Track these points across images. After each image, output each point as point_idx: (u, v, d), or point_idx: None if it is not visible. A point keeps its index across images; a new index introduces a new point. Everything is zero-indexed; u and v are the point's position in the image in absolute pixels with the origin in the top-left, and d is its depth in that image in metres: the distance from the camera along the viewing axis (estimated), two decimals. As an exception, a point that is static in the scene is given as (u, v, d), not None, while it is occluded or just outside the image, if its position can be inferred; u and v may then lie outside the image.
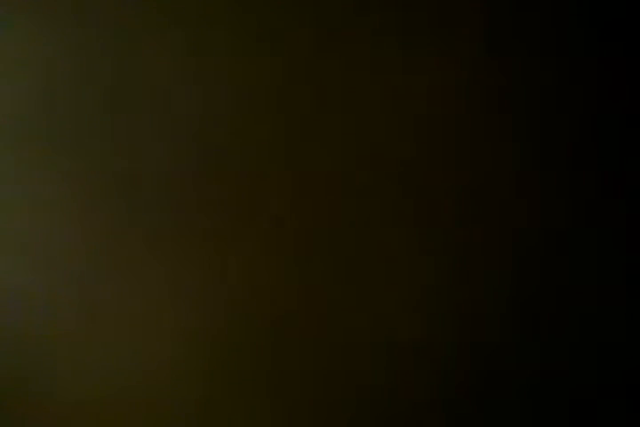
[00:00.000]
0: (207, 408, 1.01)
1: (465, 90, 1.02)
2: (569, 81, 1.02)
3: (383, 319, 1.01)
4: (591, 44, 1.02)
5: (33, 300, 1.02)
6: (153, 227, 1.02)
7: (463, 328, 1.01)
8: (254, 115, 1.03)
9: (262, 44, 1.03)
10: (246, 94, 1.03)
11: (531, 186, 1.02)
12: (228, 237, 1.02)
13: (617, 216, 1.02)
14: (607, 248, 1.01)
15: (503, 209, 1.02)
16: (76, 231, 1.02)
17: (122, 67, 1.02)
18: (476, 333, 1.01)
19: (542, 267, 1.01)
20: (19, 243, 1.02)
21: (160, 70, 1.03)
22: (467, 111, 1.02)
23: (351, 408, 1.01)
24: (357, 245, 1.02)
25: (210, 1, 1.03)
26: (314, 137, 1.02)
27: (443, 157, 1.02)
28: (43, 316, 1.02)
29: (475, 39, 1.02)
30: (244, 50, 1.03)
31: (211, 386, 1.02)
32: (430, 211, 1.02)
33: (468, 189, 1.02)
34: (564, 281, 1.01)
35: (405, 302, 1.01)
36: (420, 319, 1.01)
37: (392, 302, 1.01)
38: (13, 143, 1.03)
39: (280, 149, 1.02)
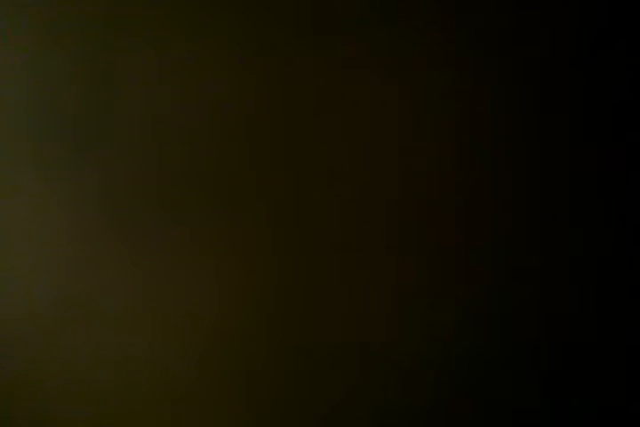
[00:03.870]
0: (191, 405, 1.02)
1: (464, 89, 1.02)
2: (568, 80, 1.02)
3: (378, 319, 1.01)
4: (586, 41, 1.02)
5: (29, 299, 1.03)
6: (145, 226, 1.03)
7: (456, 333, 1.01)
8: (249, 114, 1.03)
9: (255, 44, 1.03)
10: (239, 94, 1.03)
11: (530, 185, 1.02)
12: (218, 237, 1.02)
13: (616, 216, 1.01)
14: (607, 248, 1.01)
15: (489, 210, 1.01)
16: (69, 230, 1.03)
17: (110, 67, 1.03)
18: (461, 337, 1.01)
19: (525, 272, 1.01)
20: (10, 243, 1.03)
21: (153, 70, 1.03)
22: (466, 110, 1.02)
23: (341, 407, 1.01)
24: (357, 243, 1.02)
25: (202, 2, 1.04)
26: (310, 137, 1.02)
27: (441, 157, 1.02)
28: (32, 317, 1.03)
29: (471, 39, 1.02)
30: (238, 50, 1.03)
31: (197, 385, 1.02)
32: (416, 212, 1.02)
33: (461, 188, 1.02)
34: (563, 283, 1.01)
35: (405, 301, 1.01)
36: (420, 319, 1.01)
37: (390, 301, 1.01)
38: (5, 144, 1.04)
39: (273, 150, 1.03)
